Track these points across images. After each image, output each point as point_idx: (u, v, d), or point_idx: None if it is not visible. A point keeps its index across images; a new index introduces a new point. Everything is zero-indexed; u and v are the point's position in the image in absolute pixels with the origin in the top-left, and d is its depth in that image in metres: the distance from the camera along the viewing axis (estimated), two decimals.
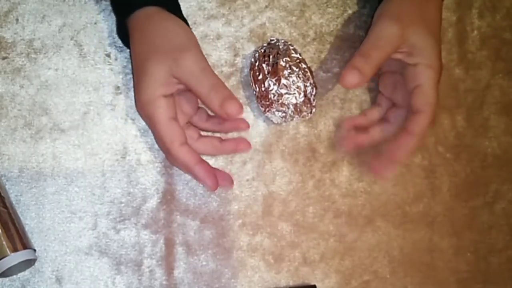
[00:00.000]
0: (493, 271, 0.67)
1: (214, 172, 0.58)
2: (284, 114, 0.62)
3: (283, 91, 0.61)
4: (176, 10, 0.61)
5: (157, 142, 0.60)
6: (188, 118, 0.61)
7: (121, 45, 0.63)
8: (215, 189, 0.58)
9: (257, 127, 0.65)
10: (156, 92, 0.56)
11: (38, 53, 0.63)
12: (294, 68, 0.62)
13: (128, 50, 0.62)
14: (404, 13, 0.59)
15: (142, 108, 0.57)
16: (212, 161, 0.64)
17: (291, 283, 0.64)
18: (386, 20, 0.58)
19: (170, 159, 0.59)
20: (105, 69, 0.64)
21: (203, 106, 0.61)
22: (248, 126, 0.63)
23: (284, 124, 0.66)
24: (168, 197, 0.63)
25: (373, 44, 0.58)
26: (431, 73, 0.58)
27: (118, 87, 0.63)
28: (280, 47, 0.63)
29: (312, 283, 0.64)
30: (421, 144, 0.67)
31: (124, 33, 0.60)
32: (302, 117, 0.63)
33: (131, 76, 0.64)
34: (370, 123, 0.64)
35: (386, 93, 0.64)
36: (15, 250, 0.55)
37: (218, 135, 0.63)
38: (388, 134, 0.62)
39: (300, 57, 0.63)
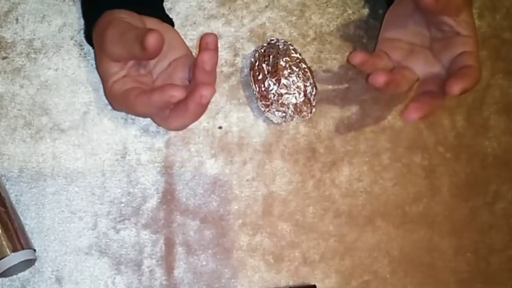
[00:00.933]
0: (493, 271, 0.67)
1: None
2: (284, 114, 0.62)
3: (283, 91, 0.61)
4: (146, 11, 0.59)
5: (139, 114, 0.59)
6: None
7: None
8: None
9: (257, 127, 0.65)
10: (108, 84, 0.57)
11: (38, 53, 0.63)
12: (294, 68, 0.62)
13: None
14: None
15: (110, 102, 0.59)
16: (212, 161, 0.64)
17: (291, 283, 0.64)
18: None
19: (158, 122, 0.58)
20: None
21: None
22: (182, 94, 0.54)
23: (284, 124, 0.66)
24: (168, 197, 0.63)
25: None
26: (477, 48, 0.59)
27: None
28: (280, 47, 0.63)
29: (312, 283, 0.64)
30: (421, 144, 0.68)
31: (89, 36, 0.61)
32: (302, 117, 0.63)
33: None
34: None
35: (396, 56, 0.64)
36: (15, 250, 0.55)
37: None
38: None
39: (300, 57, 0.63)
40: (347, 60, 0.60)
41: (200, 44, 0.55)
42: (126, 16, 0.57)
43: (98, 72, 0.59)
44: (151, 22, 0.59)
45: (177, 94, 0.53)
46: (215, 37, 0.55)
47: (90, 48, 0.63)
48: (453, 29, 0.59)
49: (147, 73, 0.59)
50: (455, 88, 0.56)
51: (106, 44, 0.55)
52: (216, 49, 0.55)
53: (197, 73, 0.55)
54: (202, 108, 0.55)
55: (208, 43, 0.54)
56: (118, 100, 0.57)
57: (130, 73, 0.57)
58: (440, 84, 0.58)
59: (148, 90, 0.55)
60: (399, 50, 0.63)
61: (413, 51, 0.63)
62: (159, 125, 0.60)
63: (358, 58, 0.59)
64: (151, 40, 0.51)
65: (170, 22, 0.62)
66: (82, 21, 0.64)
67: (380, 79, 0.58)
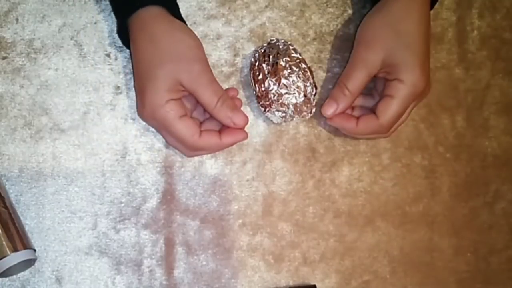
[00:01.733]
0: (493, 271, 0.67)
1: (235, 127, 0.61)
2: (284, 114, 0.62)
3: (283, 91, 0.61)
4: (176, 12, 0.61)
5: (171, 143, 0.60)
6: (190, 113, 0.61)
7: (121, 45, 0.63)
8: (245, 124, 0.61)
9: (257, 127, 0.65)
10: (164, 98, 0.57)
11: (38, 53, 0.63)
12: (294, 68, 0.62)
13: (128, 50, 0.62)
14: (378, 37, 0.60)
15: (151, 112, 0.58)
16: (212, 161, 0.64)
17: (291, 283, 0.64)
18: (362, 47, 0.61)
19: (191, 153, 0.61)
20: (105, 69, 0.64)
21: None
22: (246, 137, 0.62)
23: (284, 124, 0.66)
24: (168, 197, 0.63)
25: (349, 74, 0.61)
26: (402, 87, 0.59)
27: (118, 87, 0.63)
28: (280, 47, 0.63)
29: (312, 283, 0.64)
30: (421, 144, 0.68)
31: (124, 33, 0.60)
32: (302, 117, 0.63)
33: (131, 76, 0.64)
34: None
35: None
36: (15, 250, 0.55)
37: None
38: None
39: (300, 57, 0.63)
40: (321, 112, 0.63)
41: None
42: (160, 15, 0.58)
43: (149, 71, 0.58)
44: (182, 30, 0.60)
45: (245, 137, 0.61)
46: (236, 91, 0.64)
47: (90, 48, 0.63)
48: (385, 77, 0.62)
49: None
50: (327, 110, 0.62)
51: (191, 77, 0.58)
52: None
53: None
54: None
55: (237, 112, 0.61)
56: (167, 120, 0.57)
57: (180, 99, 0.59)
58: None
59: (216, 132, 0.60)
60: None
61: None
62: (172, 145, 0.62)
63: (330, 111, 0.63)
64: (239, 119, 0.60)
65: (182, 20, 0.62)
66: (82, 21, 0.64)
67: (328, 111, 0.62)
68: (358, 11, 0.69)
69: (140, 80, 0.58)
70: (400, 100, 0.60)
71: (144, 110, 0.58)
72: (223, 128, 0.61)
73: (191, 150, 0.60)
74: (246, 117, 0.60)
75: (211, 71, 0.59)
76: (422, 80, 0.59)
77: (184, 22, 0.62)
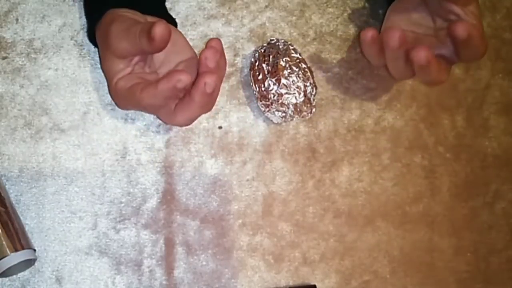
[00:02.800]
0: (493, 271, 0.67)
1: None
2: (284, 114, 0.62)
3: (283, 91, 0.61)
4: (144, 7, 0.59)
5: (150, 111, 0.58)
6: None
7: None
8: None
9: (257, 127, 0.65)
10: (113, 82, 0.57)
11: (38, 53, 0.63)
12: (294, 68, 0.62)
13: None
14: None
15: (115, 101, 0.59)
16: (212, 161, 0.64)
17: (291, 283, 0.64)
18: None
19: (165, 120, 0.58)
20: None
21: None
22: (184, 78, 0.53)
23: (284, 124, 0.66)
24: (168, 197, 0.63)
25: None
26: (483, 34, 0.58)
27: None
28: (280, 47, 0.63)
29: (312, 283, 0.64)
30: (421, 144, 0.68)
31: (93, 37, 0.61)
32: (302, 117, 0.63)
33: None
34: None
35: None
36: (15, 250, 0.55)
37: None
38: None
39: (300, 57, 0.63)
40: (359, 37, 0.58)
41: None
42: (130, 14, 0.57)
43: (103, 70, 0.59)
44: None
45: (184, 77, 0.52)
46: (219, 40, 0.55)
47: (90, 48, 0.63)
48: (459, 18, 0.58)
49: (152, 72, 0.59)
50: (460, 28, 0.54)
51: (111, 40, 0.55)
52: (220, 49, 0.55)
53: (200, 69, 0.54)
54: (207, 98, 0.54)
55: (211, 44, 0.55)
56: (124, 96, 0.57)
57: (135, 70, 0.57)
58: (446, 60, 0.58)
59: (154, 81, 0.54)
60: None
61: (417, 38, 0.61)
62: (166, 122, 0.59)
63: (370, 34, 0.57)
64: (158, 30, 0.51)
65: (173, 22, 0.62)
66: (82, 21, 0.64)
67: (423, 54, 0.55)
68: (358, 11, 0.69)
69: (101, 68, 0.60)
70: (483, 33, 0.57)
71: (112, 100, 0.59)
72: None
73: (150, 112, 0.58)
74: (167, 26, 0.52)
75: (128, 19, 0.56)
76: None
77: (156, 8, 0.61)
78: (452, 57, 0.59)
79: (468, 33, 0.55)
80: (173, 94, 0.54)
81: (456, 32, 0.55)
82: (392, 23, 0.63)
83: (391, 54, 0.57)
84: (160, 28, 0.51)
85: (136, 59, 0.57)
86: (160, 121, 0.63)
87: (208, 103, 0.55)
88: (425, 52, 0.54)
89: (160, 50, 0.54)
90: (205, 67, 0.54)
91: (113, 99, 0.59)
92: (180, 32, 0.60)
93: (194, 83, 0.53)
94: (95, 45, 0.61)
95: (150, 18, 0.58)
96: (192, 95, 0.53)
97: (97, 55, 0.64)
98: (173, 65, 0.59)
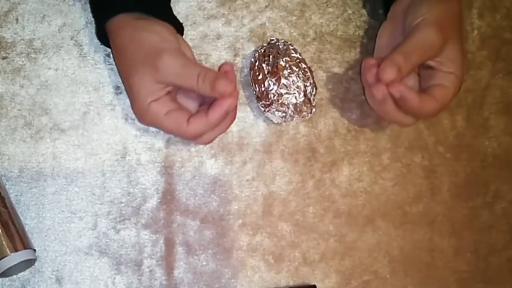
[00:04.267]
0: (493, 271, 0.67)
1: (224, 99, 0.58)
2: (284, 114, 0.62)
3: (283, 91, 0.61)
4: (156, 11, 0.60)
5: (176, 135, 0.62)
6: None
7: None
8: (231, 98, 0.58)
9: (257, 127, 0.65)
10: (146, 102, 0.57)
11: (38, 53, 0.63)
12: (294, 68, 0.62)
13: None
14: (445, 23, 0.60)
15: (141, 119, 0.59)
16: (212, 161, 0.64)
17: (291, 283, 0.64)
18: (432, 29, 0.59)
19: (194, 141, 0.61)
20: (105, 69, 0.64)
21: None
22: (233, 102, 0.58)
23: (284, 124, 0.66)
24: (168, 197, 0.63)
25: (415, 47, 0.59)
26: (457, 83, 0.60)
27: (118, 87, 0.63)
28: (280, 47, 0.63)
29: (312, 283, 0.64)
30: (421, 144, 0.68)
31: (103, 37, 0.61)
32: (302, 117, 0.63)
33: None
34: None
35: None
36: (15, 250, 0.55)
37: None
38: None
39: (300, 57, 0.63)
40: (361, 66, 0.61)
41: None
42: (153, 28, 0.58)
43: (126, 82, 0.59)
44: (145, 28, 0.58)
45: (234, 101, 0.58)
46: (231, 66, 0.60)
47: (90, 48, 0.63)
48: (434, 68, 0.61)
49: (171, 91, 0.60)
50: (376, 91, 0.58)
51: (161, 66, 0.56)
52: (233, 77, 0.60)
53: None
54: (229, 120, 0.61)
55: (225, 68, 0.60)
56: (156, 120, 0.58)
57: (167, 95, 0.58)
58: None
59: (200, 111, 0.58)
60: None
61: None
62: (192, 142, 0.63)
63: (371, 62, 0.60)
64: (222, 86, 0.56)
65: (181, 27, 0.62)
66: (82, 21, 0.64)
67: (380, 91, 0.59)
68: (358, 11, 0.69)
69: (125, 85, 0.60)
70: (454, 92, 0.60)
71: (135, 114, 0.59)
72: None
73: (189, 139, 0.60)
74: (230, 81, 0.57)
75: (182, 54, 0.58)
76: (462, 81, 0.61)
77: (171, 17, 0.62)
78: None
79: (399, 95, 0.58)
80: (223, 119, 0.59)
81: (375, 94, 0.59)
82: (383, 52, 0.63)
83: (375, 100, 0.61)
84: (224, 83, 0.56)
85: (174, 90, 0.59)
86: None
87: (230, 123, 0.61)
88: (381, 89, 0.58)
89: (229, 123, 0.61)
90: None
91: (137, 115, 0.59)
92: (186, 43, 0.61)
93: (213, 102, 0.58)
94: (103, 43, 0.61)
95: (160, 28, 0.59)
96: (209, 113, 0.57)
97: (97, 55, 0.64)
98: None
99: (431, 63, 0.61)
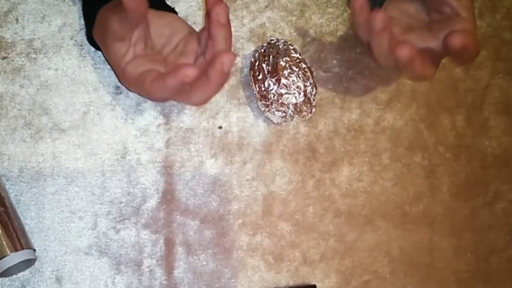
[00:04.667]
0: (493, 271, 0.67)
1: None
2: (284, 114, 0.62)
3: (283, 91, 0.61)
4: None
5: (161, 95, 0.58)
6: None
7: None
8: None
9: (257, 127, 0.65)
10: (121, 65, 0.56)
11: (38, 53, 0.63)
12: (294, 68, 0.62)
13: None
14: None
15: (124, 83, 0.58)
16: (212, 161, 0.64)
17: (291, 283, 0.64)
18: None
19: (160, 98, 0.58)
20: (105, 69, 0.64)
21: None
22: (188, 72, 0.53)
23: (284, 124, 0.66)
24: (168, 197, 0.63)
25: None
26: (475, 29, 0.59)
27: (118, 87, 0.63)
28: (280, 47, 0.63)
29: (312, 283, 0.64)
30: (421, 144, 0.68)
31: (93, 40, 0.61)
32: (302, 117, 0.63)
33: None
34: None
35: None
36: (15, 250, 0.55)
37: None
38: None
39: (300, 57, 0.63)
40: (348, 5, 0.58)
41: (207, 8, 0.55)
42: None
43: (109, 63, 0.59)
44: (150, 12, 0.57)
45: (191, 73, 0.52)
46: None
47: (90, 48, 0.63)
48: (453, 10, 0.59)
49: (156, 53, 0.58)
50: (456, 39, 0.55)
51: (107, 26, 0.55)
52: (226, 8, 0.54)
53: (213, 28, 0.54)
54: (225, 77, 0.54)
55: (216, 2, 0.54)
56: (133, 83, 0.57)
57: (138, 51, 0.57)
58: (435, 54, 0.58)
59: (161, 74, 0.55)
60: (397, 26, 0.61)
61: (411, 27, 0.61)
62: (181, 102, 0.59)
63: (359, 2, 0.56)
64: None
65: (172, 11, 0.62)
66: (82, 21, 0.64)
67: (406, 51, 0.54)
68: None
69: (108, 61, 0.60)
70: (474, 28, 0.58)
71: (120, 81, 0.59)
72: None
73: (161, 101, 0.59)
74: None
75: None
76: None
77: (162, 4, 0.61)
78: (442, 51, 0.59)
79: (463, 44, 0.55)
80: (181, 87, 0.54)
81: (452, 44, 0.55)
82: (388, 11, 0.62)
83: (375, 37, 0.56)
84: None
85: (134, 39, 0.56)
86: (160, 121, 0.63)
87: (225, 81, 0.55)
88: (408, 49, 0.54)
89: (136, 8, 0.52)
90: (217, 23, 0.54)
91: (123, 84, 0.59)
92: (175, 14, 0.61)
93: (210, 62, 0.53)
94: (94, 46, 0.62)
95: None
96: (209, 76, 0.53)
97: (97, 55, 0.64)
98: (174, 44, 0.59)
99: (451, 2, 0.58)
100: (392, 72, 0.68)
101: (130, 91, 0.61)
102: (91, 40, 0.61)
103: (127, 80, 0.57)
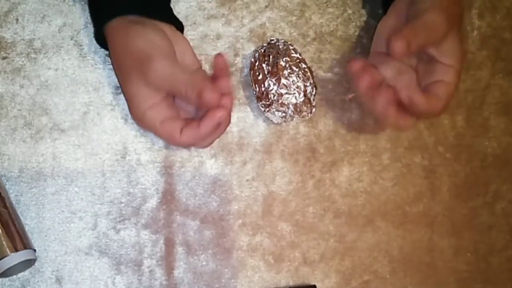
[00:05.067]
0: (493, 271, 0.67)
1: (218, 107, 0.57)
2: (284, 114, 0.62)
3: (283, 91, 0.61)
4: (152, 12, 0.60)
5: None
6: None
7: None
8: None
9: (257, 127, 0.65)
10: (141, 109, 0.57)
11: (38, 53, 0.63)
12: (294, 68, 0.62)
13: None
14: (451, 13, 0.59)
15: (139, 124, 0.60)
16: (212, 161, 0.64)
17: (291, 283, 0.64)
18: (440, 15, 0.58)
19: (190, 147, 0.61)
20: (105, 69, 0.64)
21: None
22: (224, 114, 0.57)
23: (284, 124, 0.66)
24: (168, 197, 0.63)
25: (423, 26, 0.58)
26: (457, 78, 0.59)
27: (118, 87, 0.63)
28: (280, 47, 0.63)
29: (312, 283, 0.64)
30: (421, 144, 0.68)
31: (101, 40, 0.61)
32: (302, 117, 0.63)
33: None
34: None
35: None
36: (15, 250, 0.55)
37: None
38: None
39: (300, 57, 0.63)
40: (347, 65, 0.60)
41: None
42: (147, 31, 0.57)
43: (123, 89, 0.59)
44: (166, 28, 0.59)
45: (224, 112, 0.56)
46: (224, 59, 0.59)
47: (90, 48, 0.63)
48: (434, 58, 0.60)
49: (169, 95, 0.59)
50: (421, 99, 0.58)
51: (150, 73, 0.56)
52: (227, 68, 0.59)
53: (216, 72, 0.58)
54: (224, 126, 0.59)
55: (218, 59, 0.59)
56: (152, 127, 0.58)
57: (163, 101, 0.58)
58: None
59: (192, 122, 0.57)
60: (388, 67, 0.62)
61: (400, 71, 0.62)
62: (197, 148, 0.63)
63: (358, 64, 0.59)
64: (208, 96, 0.55)
65: (181, 26, 0.62)
66: (82, 21, 0.64)
67: (364, 82, 0.58)
68: (358, 11, 0.69)
69: (122, 91, 0.60)
70: (454, 88, 0.59)
71: (133, 119, 0.60)
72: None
73: (183, 147, 0.61)
74: (214, 91, 0.55)
75: (171, 62, 0.57)
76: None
77: (171, 17, 0.62)
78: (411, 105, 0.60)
79: (409, 100, 0.57)
80: (215, 129, 0.58)
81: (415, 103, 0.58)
82: (380, 46, 0.63)
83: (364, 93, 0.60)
84: (211, 94, 0.55)
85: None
86: None
87: (225, 128, 0.59)
88: (366, 80, 0.58)
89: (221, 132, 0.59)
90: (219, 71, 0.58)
91: (135, 121, 0.60)
92: (186, 40, 0.61)
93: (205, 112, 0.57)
94: (102, 45, 0.62)
95: (160, 25, 0.58)
96: (201, 125, 0.56)
97: (98, 55, 0.64)
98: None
99: (432, 51, 0.59)
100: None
101: (139, 126, 0.61)
102: (99, 40, 0.61)
103: (145, 123, 0.58)
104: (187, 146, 0.60)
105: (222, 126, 0.59)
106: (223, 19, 0.67)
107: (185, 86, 0.56)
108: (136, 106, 0.58)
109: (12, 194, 0.60)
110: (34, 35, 0.63)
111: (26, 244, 0.57)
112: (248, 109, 0.66)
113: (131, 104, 0.58)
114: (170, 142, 0.59)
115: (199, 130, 0.57)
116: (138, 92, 0.57)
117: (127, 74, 0.58)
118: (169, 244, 0.62)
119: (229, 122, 0.59)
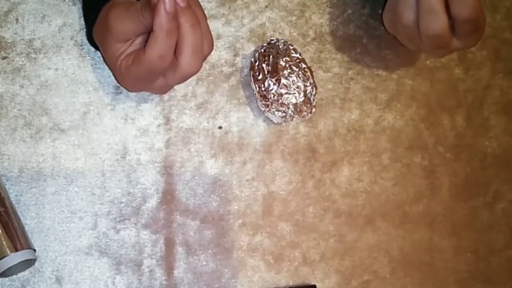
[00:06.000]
0: (493, 271, 0.67)
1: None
2: (284, 114, 0.62)
3: (283, 91, 0.61)
4: None
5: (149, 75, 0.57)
6: None
7: None
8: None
9: (257, 127, 0.65)
10: (117, 64, 0.56)
11: (38, 53, 0.63)
12: (294, 68, 0.62)
13: None
14: None
15: (124, 84, 0.59)
16: (212, 161, 0.64)
17: (291, 283, 0.64)
18: None
19: (178, 77, 0.57)
20: (105, 69, 0.64)
21: None
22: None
23: (284, 124, 0.66)
24: (168, 197, 0.63)
25: None
26: None
27: (118, 87, 0.63)
28: (280, 47, 0.63)
29: (312, 283, 0.64)
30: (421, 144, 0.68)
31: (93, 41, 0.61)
32: (302, 117, 0.63)
33: None
34: None
35: None
36: (15, 250, 0.55)
37: None
38: None
39: (300, 57, 0.63)
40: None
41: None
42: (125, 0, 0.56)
43: (107, 63, 0.59)
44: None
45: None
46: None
47: (90, 48, 0.63)
48: None
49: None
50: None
51: (112, 25, 0.55)
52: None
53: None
54: (171, 24, 0.52)
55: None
56: (128, 76, 0.56)
57: (133, 49, 0.57)
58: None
59: (139, 49, 0.55)
60: None
61: None
62: (173, 80, 0.57)
63: None
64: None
65: None
66: (82, 21, 0.64)
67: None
68: (358, 11, 0.69)
69: (105, 61, 0.60)
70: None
71: (121, 84, 0.59)
72: None
73: (161, 70, 0.55)
74: None
75: (125, 3, 0.55)
76: None
77: None
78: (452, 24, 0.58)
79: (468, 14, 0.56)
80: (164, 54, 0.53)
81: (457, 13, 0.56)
82: None
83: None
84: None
85: (137, 40, 0.57)
86: (160, 121, 0.63)
87: (173, 30, 0.52)
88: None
89: (165, 21, 0.51)
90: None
91: (122, 84, 0.59)
92: None
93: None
94: (94, 46, 0.61)
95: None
96: (153, 25, 0.52)
97: (97, 55, 0.64)
98: None
99: None
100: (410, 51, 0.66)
101: (130, 90, 0.61)
102: (91, 40, 0.61)
103: (123, 75, 0.57)
104: (160, 63, 0.53)
105: (184, 26, 0.53)
106: (223, 19, 0.67)
107: (139, 10, 0.53)
108: (114, 65, 0.57)
109: (12, 194, 0.60)
110: (34, 35, 0.63)
111: (26, 244, 0.57)
112: (248, 109, 0.66)
113: (113, 67, 0.57)
114: (144, 69, 0.54)
115: (154, 33, 0.52)
116: (113, 51, 0.56)
117: (103, 45, 0.57)
118: (169, 244, 0.62)
119: (194, 21, 0.54)
